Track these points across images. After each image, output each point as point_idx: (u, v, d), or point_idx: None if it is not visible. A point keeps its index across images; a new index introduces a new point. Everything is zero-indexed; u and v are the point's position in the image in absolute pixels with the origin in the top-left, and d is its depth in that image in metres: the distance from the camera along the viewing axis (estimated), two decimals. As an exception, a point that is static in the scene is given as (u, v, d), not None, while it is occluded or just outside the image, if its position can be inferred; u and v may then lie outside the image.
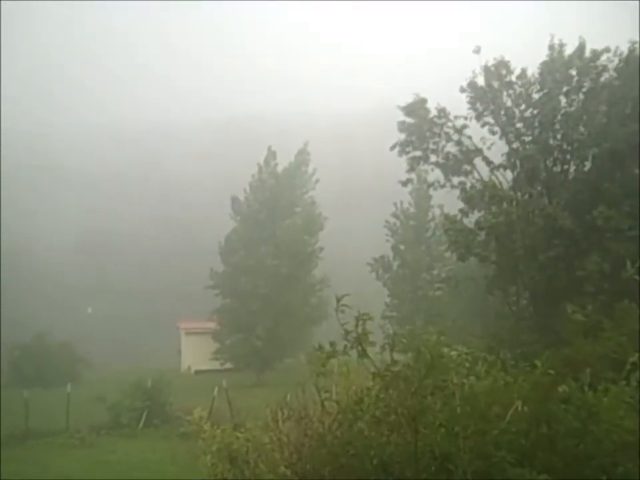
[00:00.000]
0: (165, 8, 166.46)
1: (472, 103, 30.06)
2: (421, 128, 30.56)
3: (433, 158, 30.77)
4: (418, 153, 30.90)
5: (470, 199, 29.28)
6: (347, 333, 6.88)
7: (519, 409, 6.29)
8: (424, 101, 30.87)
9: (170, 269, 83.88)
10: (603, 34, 31.76)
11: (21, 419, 28.49)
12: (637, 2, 34.31)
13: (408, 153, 31.07)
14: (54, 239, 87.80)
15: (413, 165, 31.22)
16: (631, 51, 27.52)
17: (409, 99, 31.17)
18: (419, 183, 43.69)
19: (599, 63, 27.96)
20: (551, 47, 29.20)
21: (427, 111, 30.67)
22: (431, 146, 30.63)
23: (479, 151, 30.13)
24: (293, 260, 47.52)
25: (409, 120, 30.87)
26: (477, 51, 29.90)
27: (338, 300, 6.99)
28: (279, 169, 50.21)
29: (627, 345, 6.86)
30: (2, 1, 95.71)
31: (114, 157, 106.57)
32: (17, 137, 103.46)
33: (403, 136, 31.00)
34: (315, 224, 49.40)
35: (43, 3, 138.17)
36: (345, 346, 6.99)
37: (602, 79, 27.84)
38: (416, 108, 30.72)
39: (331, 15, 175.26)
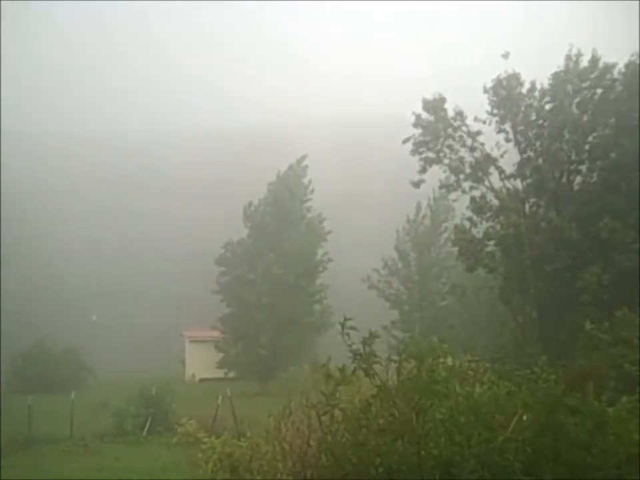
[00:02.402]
0: (165, 19, 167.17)
1: (493, 107, 29.96)
2: (437, 126, 30.54)
3: (446, 160, 30.76)
4: (431, 155, 30.86)
5: (480, 209, 29.25)
6: (355, 355, 6.83)
7: (523, 418, 6.26)
8: (443, 100, 30.83)
9: (175, 277, 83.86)
10: (608, 38, 31.73)
11: (24, 425, 28.42)
12: (637, 2, 34.34)
13: (421, 153, 31.03)
14: (58, 246, 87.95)
15: (426, 165, 31.17)
16: (636, 63, 27.49)
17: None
18: (440, 193, 44.51)
19: (609, 77, 27.89)
20: (568, 58, 29.11)
21: (445, 110, 30.67)
22: (445, 148, 30.63)
23: (490, 158, 30.12)
24: (298, 269, 47.53)
25: (426, 117, 30.86)
26: (506, 56, 29.90)
27: (342, 324, 6.94)
28: (284, 176, 50.33)
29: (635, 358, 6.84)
30: (2, 4, 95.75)
31: (117, 164, 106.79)
32: (18, 142, 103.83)
33: (418, 131, 30.96)
34: (320, 234, 49.51)
35: (44, 8, 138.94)
36: (354, 369, 6.95)
37: (612, 91, 27.81)
38: (435, 105, 30.70)
39: (336, 21, 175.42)
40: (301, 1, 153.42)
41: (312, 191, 50.18)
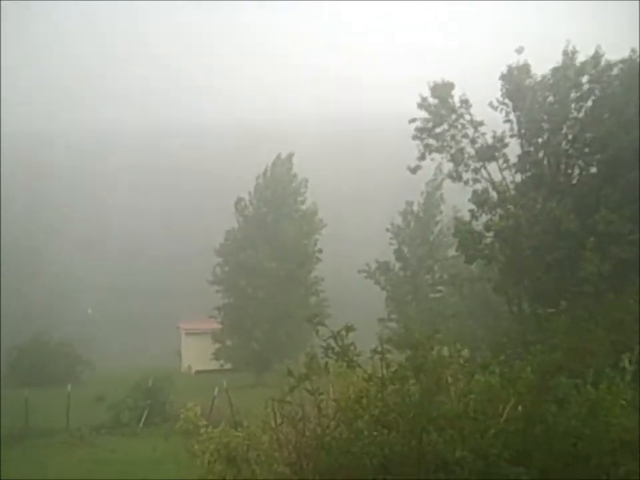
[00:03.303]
0: (162, 19, 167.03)
1: (505, 96, 29.84)
2: (440, 111, 30.43)
3: (449, 149, 30.66)
4: (432, 141, 30.76)
5: (482, 202, 29.22)
6: (327, 349, 6.77)
7: (514, 407, 6.24)
8: (451, 85, 30.71)
9: (172, 270, 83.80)
10: (609, 38, 31.74)
11: (21, 418, 28.45)
12: (637, 2, 34.28)
13: (423, 139, 30.94)
14: (54, 239, 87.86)
15: (426, 152, 31.09)
16: (633, 59, 27.48)
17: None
18: (432, 187, 44.65)
19: (611, 73, 27.87)
20: (565, 53, 29.10)
21: (452, 96, 30.57)
22: (447, 136, 30.53)
23: (491, 149, 30.07)
24: (292, 262, 47.56)
25: (432, 100, 30.75)
26: (520, 50, 29.80)
27: (310, 320, 6.93)
28: (272, 169, 50.30)
29: (605, 338, 6.83)
30: (2, 4, 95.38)
31: (114, 159, 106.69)
32: (18, 140, 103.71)
33: (423, 115, 30.82)
34: (313, 226, 49.52)
35: (44, 8, 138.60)
36: (326, 362, 6.91)
37: (610, 87, 27.80)
38: (442, 92, 30.57)
39: (336, 19, 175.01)
40: (300, 1, 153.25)
41: (306, 184, 50.13)
